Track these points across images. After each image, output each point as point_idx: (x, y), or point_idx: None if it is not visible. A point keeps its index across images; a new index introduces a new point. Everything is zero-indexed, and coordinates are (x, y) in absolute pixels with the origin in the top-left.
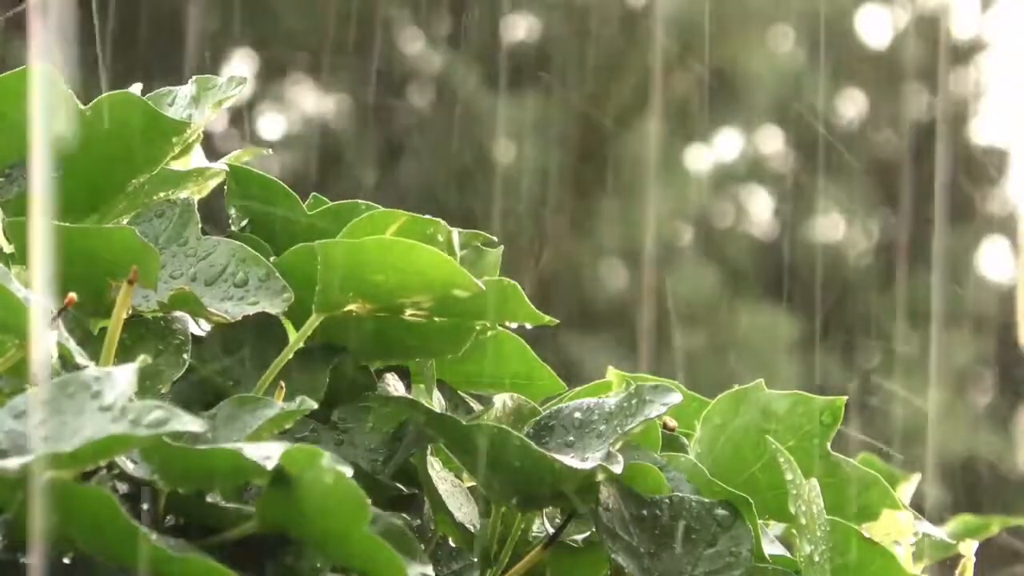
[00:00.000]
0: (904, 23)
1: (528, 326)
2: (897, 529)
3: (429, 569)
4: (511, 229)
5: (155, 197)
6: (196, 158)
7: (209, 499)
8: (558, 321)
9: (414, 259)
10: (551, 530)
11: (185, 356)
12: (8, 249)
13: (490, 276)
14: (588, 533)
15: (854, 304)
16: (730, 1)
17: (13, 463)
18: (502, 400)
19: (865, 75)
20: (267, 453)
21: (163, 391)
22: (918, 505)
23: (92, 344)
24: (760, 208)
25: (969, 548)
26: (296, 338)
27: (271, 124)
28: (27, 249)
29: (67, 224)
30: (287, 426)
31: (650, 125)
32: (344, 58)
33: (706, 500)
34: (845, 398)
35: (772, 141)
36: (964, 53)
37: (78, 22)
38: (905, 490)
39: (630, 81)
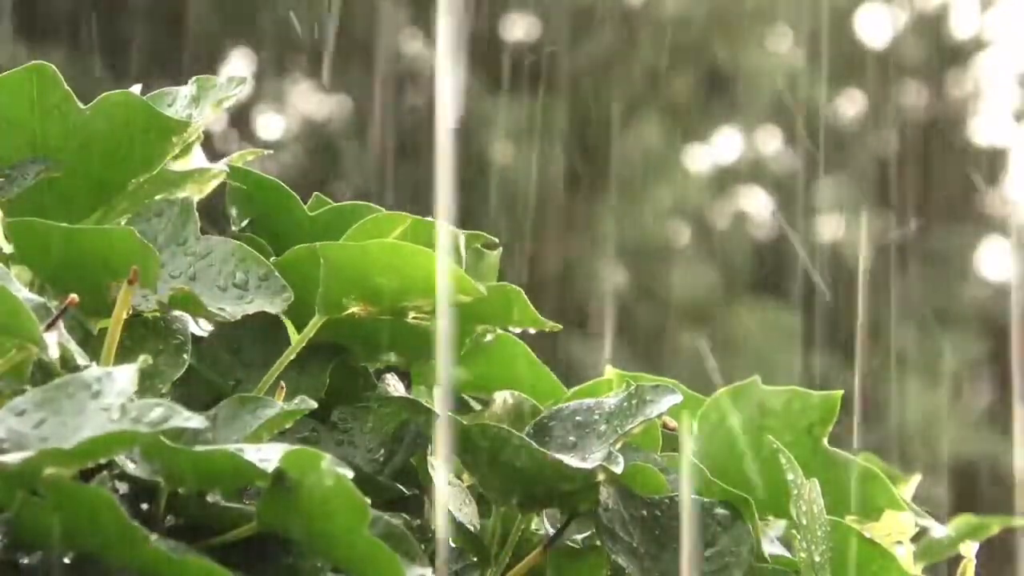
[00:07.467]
0: (904, 23)
1: (531, 329)
2: (898, 529)
3: (428, 572)
4: (510, 230)
5: (155, 197)
6: (196, 158)
7: (209, 499)
8: (560, 327)
9: (416, 263)
10: (551, 531)
11: (185, 356)
12: (8, 249)
13: (489, 277)
14: (588, 534)
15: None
16: (730, 1)
17: (13, 458)
18: (502, 396)
19: (865, 75)
20: (267, 455)
21: (163, 391)
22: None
23: (92, 344)
24: (760, 208)
25: (969, 548)
26: (298, 340)
27: (270, 124)
28: (27, 249)
29: (67, 224)
30: (287, 426)
31: (650, 125)
32: (344, 58)
33: (706, 500)
34: (841, 392)
35: (772, 141)
36: (964, 53)
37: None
38: (905, 491)
39: (630, 81)
